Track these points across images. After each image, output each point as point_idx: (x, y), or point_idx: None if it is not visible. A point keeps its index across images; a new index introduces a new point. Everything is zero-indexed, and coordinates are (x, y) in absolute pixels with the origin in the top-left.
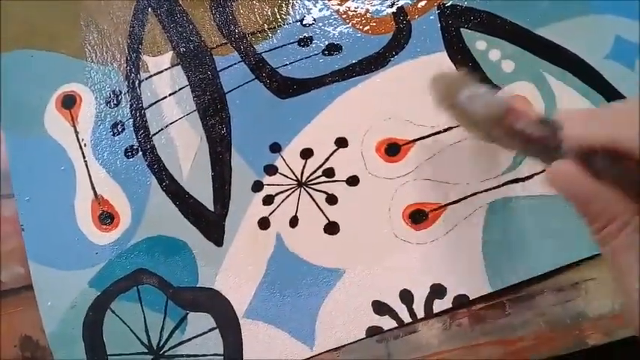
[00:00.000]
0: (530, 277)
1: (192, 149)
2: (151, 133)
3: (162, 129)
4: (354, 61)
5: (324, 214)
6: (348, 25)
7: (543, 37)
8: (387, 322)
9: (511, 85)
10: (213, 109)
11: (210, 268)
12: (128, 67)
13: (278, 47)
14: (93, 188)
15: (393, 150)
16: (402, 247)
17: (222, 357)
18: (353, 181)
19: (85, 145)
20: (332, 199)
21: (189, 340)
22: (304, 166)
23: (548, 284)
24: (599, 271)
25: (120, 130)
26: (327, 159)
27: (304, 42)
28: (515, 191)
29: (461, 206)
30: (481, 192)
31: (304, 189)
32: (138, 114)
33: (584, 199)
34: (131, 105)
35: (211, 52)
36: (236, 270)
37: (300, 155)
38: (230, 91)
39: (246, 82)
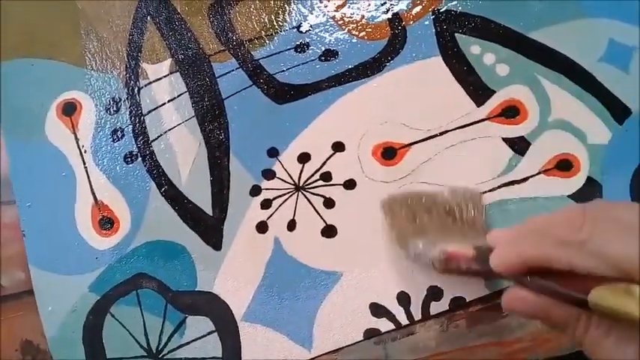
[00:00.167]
0: None
1: (190, 154)
2: (150, 139)
3: (161, 135)
4: (350, 67)
5: (322, 218)
6: (344, 31)
7: (537, 40)
8: (384, 325)
9: (506, 88)
10: (211, 115)
11: (208, 272)
12: (127, 75)
13: (275, 54)
14: (93, 194)
15: (389, 154)
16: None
17: None
18: (350, 184)
19: (85, 151)
20: (329, 203)
21: (188, 343)
22: (302, 171)
23: None
24: None
25: (119, 136)
26: (324, 163)
27: (301, 48)
28: (511, 193)
29: None
30: None
31: (302, 193)
32: (137, 120)
33: (542, 316)
34: (130, 111)
35: (209, 59)
36: (234, 274)
37: (298, 160)
38: (228, 97)
39: (244, 88)
